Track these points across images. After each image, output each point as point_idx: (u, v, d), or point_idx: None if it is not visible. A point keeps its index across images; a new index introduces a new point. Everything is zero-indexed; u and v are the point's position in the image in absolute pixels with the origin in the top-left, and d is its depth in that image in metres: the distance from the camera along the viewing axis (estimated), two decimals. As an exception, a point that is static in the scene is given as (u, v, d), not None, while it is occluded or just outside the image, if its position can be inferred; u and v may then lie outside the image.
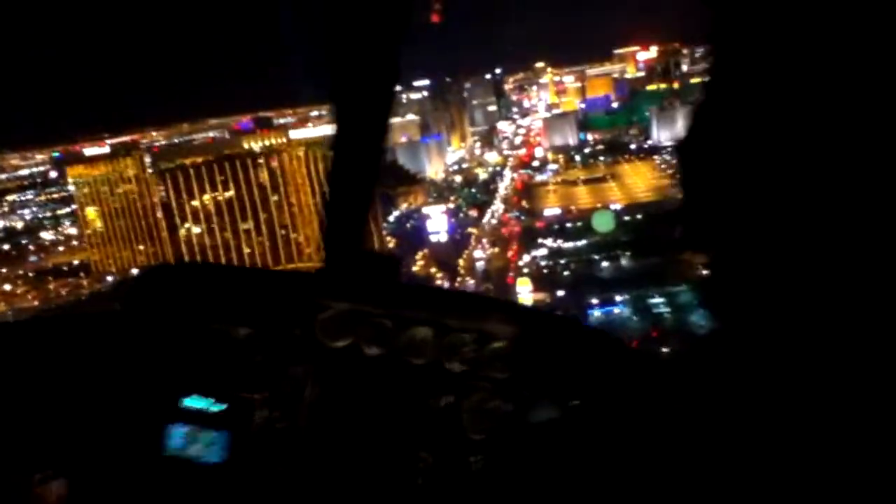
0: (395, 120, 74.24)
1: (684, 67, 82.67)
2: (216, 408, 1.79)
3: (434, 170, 67.01)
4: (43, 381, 1.92)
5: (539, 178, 63.31)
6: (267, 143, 61.47)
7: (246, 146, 61.66)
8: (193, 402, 1.80)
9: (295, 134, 62.37)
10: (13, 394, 1.91)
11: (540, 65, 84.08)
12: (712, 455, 0.85)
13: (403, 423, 1.71)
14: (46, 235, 67.76)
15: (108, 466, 1.86)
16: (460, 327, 1.72)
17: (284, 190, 57.83)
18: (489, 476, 1.66)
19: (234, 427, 1.77)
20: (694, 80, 78.80)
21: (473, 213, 58.76)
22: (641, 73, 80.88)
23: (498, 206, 59.61)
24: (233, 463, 1.76)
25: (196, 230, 58.32)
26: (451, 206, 58.07)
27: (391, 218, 58.78)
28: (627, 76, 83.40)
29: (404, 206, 59.86)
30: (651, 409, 1.09)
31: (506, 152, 71.38)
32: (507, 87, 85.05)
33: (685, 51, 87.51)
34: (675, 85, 75.76)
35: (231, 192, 57.90)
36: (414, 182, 61.89)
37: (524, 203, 57.43)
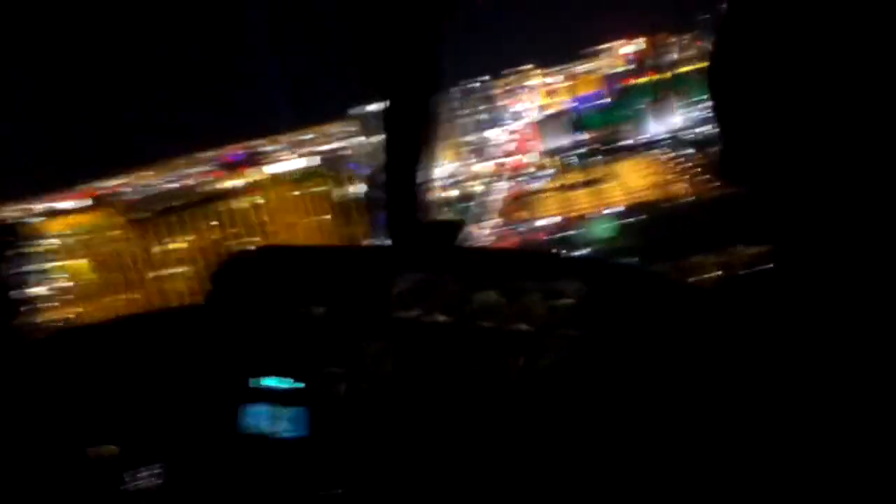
0: (379, 137, 74.08)
1: (674, 56, 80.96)
2: (296, 386, 1.82)
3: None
4: (137, 371, 1.95)
5: (535, 184, 61.52)
6: (245, 181, 59.60)
7: (224, 185, 59.84)
8: (274, 382, 1.82)
9: (274, 168, 60.44)
10: (109, 384, 1.95)
11: (527, 67, 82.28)
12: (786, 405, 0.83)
13: (479, 389, 1.68)
14: (35, 290, 66.18)
15: (196, 448, 1.88)
16: (529, 288, 1.71)
17: (264, 228, 55.95)
18: (567, 435, 1.59)
19: (314, 403, 1.82)
20: (683, 69, 76.97)
21: (470, 229, 56.14)
22: (631, 67, 78.86)
23: (496, 219, 57.13)
24: (314, 439, 1.80)
25: (179, 272, 56.48)
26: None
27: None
28: (617, 70, 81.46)
29: None
30: (730, 357, 1.06)
31: (499, 160, 69.50)
32: (496, 92, 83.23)
33: (672, 39, 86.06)
34: (666, 76, 73.86)
35: (212, 235, 56.14)
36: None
37: (523, 213, 55.65)
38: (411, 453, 1.67)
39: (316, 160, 61.34)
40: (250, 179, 59.91)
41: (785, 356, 0.86)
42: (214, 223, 57.17)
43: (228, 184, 59.52)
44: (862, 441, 0.75)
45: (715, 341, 1.15)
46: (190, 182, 73.59)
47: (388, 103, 1.86)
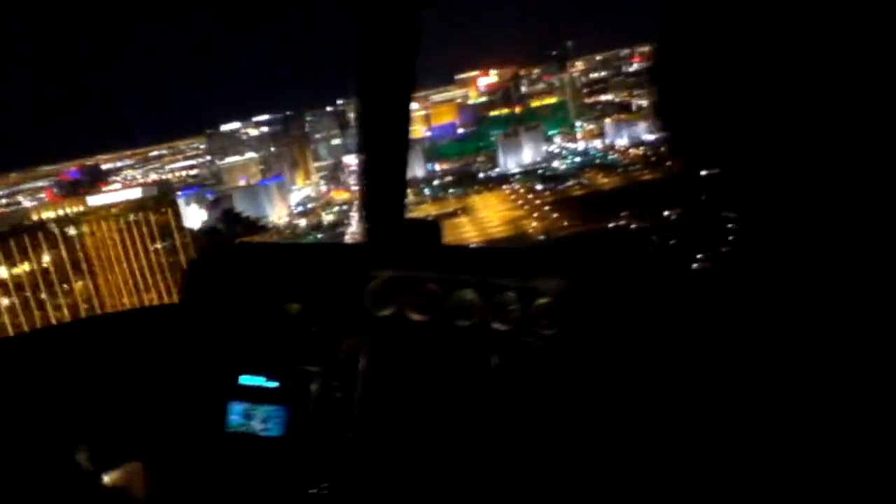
0: (233, 159, 69.33)
1: (524, 90, 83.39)
2: (273, 383, 1.87)
3: (277, 214, 62.69)
4: (112, 371, 2.01)
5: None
6: (64, 211, 54.83)
7: (41, 216, 54.71)
8: (251, 380, 1.88)
9: (98, 200, 55.63)
10: (86, 384, 2.00)
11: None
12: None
13: (454, 385, 1.75)
14: None
15: (176, 445, 1.92)
16: (505, 286, 1.75)
17: (85, 263, 51.88)
18: (542, 430, 1.67)
19: (292, 401, 1.85)
20: (535, 104, 79.43)
21: None
22: (485, 98, 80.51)
23: None
24: (293, 435, 1.83)
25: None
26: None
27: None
28: (471, 102, 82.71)
29: None
30: (703, 353, 1.10)
31: (354, 188, 68.55)
32: (354, 116, 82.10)
33: (523, 72, 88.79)
34: (518, 109, 75.66)
35: (26, 267, 51.14)
36: (254, 230, 57.34)
37: None
38: (388, 449, 1.74)
39: (153, 190, 57.26)
40: (83, 207, 55.16)
41: (764, 350, 0.88)
42: (43, 252, 52.09)
43: (62, 210, 54.62)
44: (848, 435, 0.79)
45: (694, 335, 1.17)
46: (24, 203, 67.54)
47: (365, 102, 1.96)
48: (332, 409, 1.81)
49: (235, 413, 1.87)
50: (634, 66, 77.78)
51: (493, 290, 1.75)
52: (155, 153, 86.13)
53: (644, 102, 66.94)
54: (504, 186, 60.53)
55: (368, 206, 2.12)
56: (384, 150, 2.12)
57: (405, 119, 2.05)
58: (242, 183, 64.91)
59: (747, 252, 0.91)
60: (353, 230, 58.51)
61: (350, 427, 1.78)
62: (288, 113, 77.44)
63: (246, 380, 1.88)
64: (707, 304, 1.21)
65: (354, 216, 61.46)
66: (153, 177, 79.94)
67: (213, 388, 1.89)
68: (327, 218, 61.37)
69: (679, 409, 1.08)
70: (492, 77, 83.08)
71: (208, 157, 75.44)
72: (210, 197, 62.40)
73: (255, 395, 1.87)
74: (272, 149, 71.49)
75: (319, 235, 58.52)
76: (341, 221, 60.64)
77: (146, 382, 1.99)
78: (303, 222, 62.11)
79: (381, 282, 1.83)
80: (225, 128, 74.43)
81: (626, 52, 79.73)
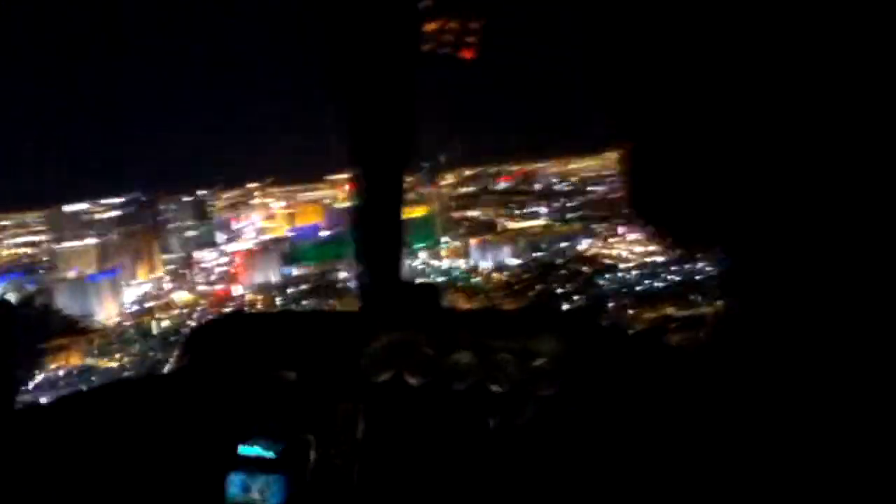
0: (70, 244, 62.95)
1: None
2: (271, 452, 1.84)
3: (107, 313, 56.19)
4: (107, 443, 1.96)
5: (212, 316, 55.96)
6: None
7: None
8: (249, 450, 1.84)
9: None
10: (79, 457, 1.95)
11: (252, 185, 78.37)
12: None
13: (454, 449, 1.72)
14: None
15: None
16: (501, 347, 1.76)
17: None
18: (542, 493, 1.62)
19: (290, 470, 1.83)
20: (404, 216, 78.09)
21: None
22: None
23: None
24: None
25: None
26: (116, 365, 48.12)
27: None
28: (338, 204, 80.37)
29: (54, 367, 47.24)
30: (702, 413, 1.11)
31: (201, 288, 63.20)
32: (218, 204, 77.65)
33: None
34: (384, 221, 73.92)
35: None
36: (76, 333, 50.74)
37: None
38: None
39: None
40: None
41: (764, 408, 0.88)
42: None
43: None
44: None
45: (692, 400, 1.18)
46: None
47: (362, 170, 1.97)
48: (331, 476, 1.73)
49: (234, 484, 1.76)
50: (502, 185, 78.40)
51: (489, 351, 1.71)
52: (2, 223, 77.36)
53: (509, 223, 66.98)
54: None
55: (363, 270, 2.10)
56: (379, 214, 2.04)
57: (399, 182, 2.03)
58: (72, 274, 58.42)
59: (736, 310, 0.90)
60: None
61: (350, 494, 1.70)
62: (142, 198, 71.93)
63: (245, 450, 1.80)
64: (703, 365, 1.25)
65: (193, 324, 56.02)
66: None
67: (212, 460, 1.83)
68: (165, 323, 55.46)
69: (679, 469, 1.08)
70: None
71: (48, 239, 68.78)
72: (30, 288, 55.54)
73: (254, 465, 1.78)
74: (114, 237, 65.59)
75: (148, 342, 52.41)
76: (177, 329, 54.73)
77: (143, 454, 1.89)
78: (128, 325, 55.53)
79: (378, 346, 1.78)
80: (71, 207, 68.21)
81: (494, 169, 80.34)
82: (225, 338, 1.96)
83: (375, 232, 2.09)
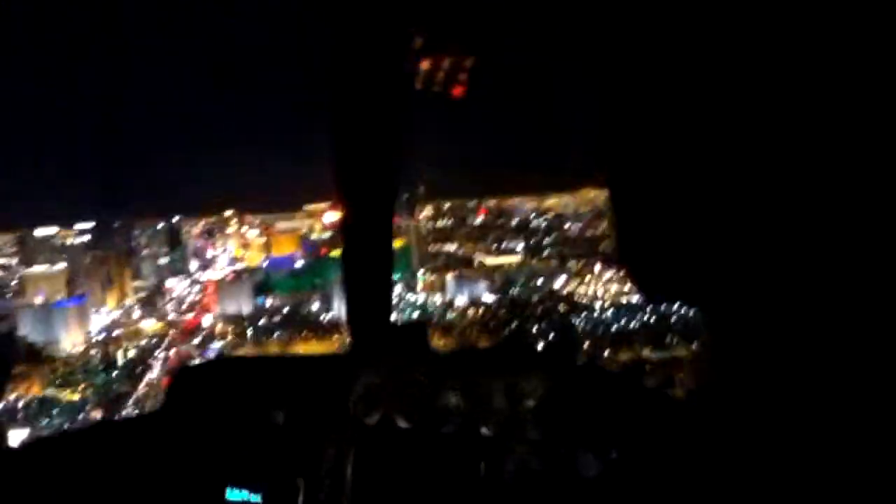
0: (39, 269, 61.34)
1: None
2: (258, 496, 1.84)
3: (72, 341, 54.72)
4: (91, 486, 1.97)
5: (197, 361, 54.48)
6: None
7: None
8: (236, 493, 1.85)
9: None
10: (65, 500, 1.96)
11: (228, 213, 77.50)
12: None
13: (443, 494, 1.73)
14: None
15: None
16: (490, 389, 1.75)
17: None
18: None
19: None
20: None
21: (97, 414, 45.00)
22: (329, 234, 77.90)
23: (139, 402, 47.89)
24: None
25: None
26: (78, 397, 46.60)
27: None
28: (314, 236, 79.66)
29: (13, 397, 45.48)
30: (690, 452, 1.13)
31: (171, 316, 61.96)
32: (193, 231, 76.55)
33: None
34: (360, 253, 72.88)
35: None
36: (38, 360, 49.28)
37: None
38: None
39: None
40: None
41: (760, 456, 0.90)
42: None
43: None
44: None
45: (683, 443, 1.20)
46: None
47: (349, 205, 2.06)
48: None
49: None
50: (480, 219, 78.22)
51: (478, 392, 1.70)
52: None
53: (486, 259, 66.76)
54: (335, 336, 56.31)
55: (352, 311, 2.11)
56: (367, 253, 2.07)
57: (388, 220, 2.06)
58: (39, 300, 57.05)
59: (714, 356, 0.93)
60: (154, 375, 51.42)
61: None
62: (115, 223, 70.80)
63: (232, 494, 1.79)
64: (688, 408, 1.28)
65: (160, 357, 54.54)
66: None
67: (194, 502, 1.81)
68: (131, 352, 53.92)
69: None
70: (337, 213, 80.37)
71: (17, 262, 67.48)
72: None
73: None
74: (84, 263, 64.42)
75: (113, 373, 50.71)
76: (143, 359, 53.26)
77: (129, 498, 1.89)
78: (93, 354, 53.70)
79: (367, 388, 1.78)
80: (42, 231, 67.07)
81: (473, 203, 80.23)
82: (211, 380, 2.00)
83: (364, 268, 2.13)
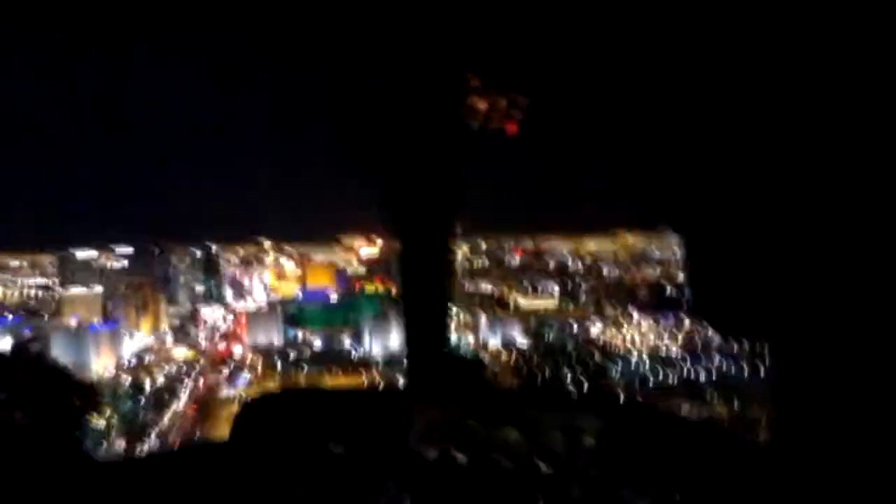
0: (76, 291, 61.51)
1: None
2: None
3: (103, 365, 54.64)
4: None
5: (227, 391, 53.68)
6: None
7: None
8: None
9: None
10: None
11: (266, 243, 77.63)
12: None
13: None
14: None
15: None
16: (548, 426, 1.76)
17: None
18: None
19: None
20: (414, 285, 76.79)
21: (121, 442, 44.69)
22: (363, 269, 77.42)
23: (163, 433, 47.23)
24: None
25: None
26: (103, 423, 46.29)
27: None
28: (350, 270, 79.29)
29: None
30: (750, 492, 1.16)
31: (203, 345, 61.74)
32: (232, 259, 76.69)
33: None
34: (394, 289, 72.37)
35: None
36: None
37: (197, 432, 46.80)
38: None
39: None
40: None
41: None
42: None
43: None
44: None
45: (735, 478, 1.25)
46: None
47: (406, 243, 2.12)
48: None
49: None
50: (517, 260, 77.18)
51: (536, 429, 1.71)
52: (15, 263, 76.73)
53: (521, 300, 65.63)
54: (363, 371, 55.32)
55: (410, 346, 2.27)
56: (425, 290, 2.16)
57: (446, 256, 2.14)
58: (73, 322, 57.29)
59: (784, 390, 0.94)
60: (180, 406, 50.86)
61: None
62: (154, 249, 71.26)
63: None
64: (742, 446, 1.33)
65: (189, 383, 54.17)
66: (-10, 290, 71.06)
67: None
68: (160, 379, 53.59)
69: None
70: (373, 248, 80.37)
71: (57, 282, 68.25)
72: (25, 333, 54.37)
73: None
74: (123, 286, 64.79)
75: (140, 401, 50.24)
76: (171, 387, 52.89)
77: None
78: (124, 379, 53.38)
79: (426, 423, 1.80)
80: (83, 253, 67.79)
81: (510, 242, 79.21)
82: (276, 412, 2.02)
83: (421, 303, 2.18)
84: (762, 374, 44.86)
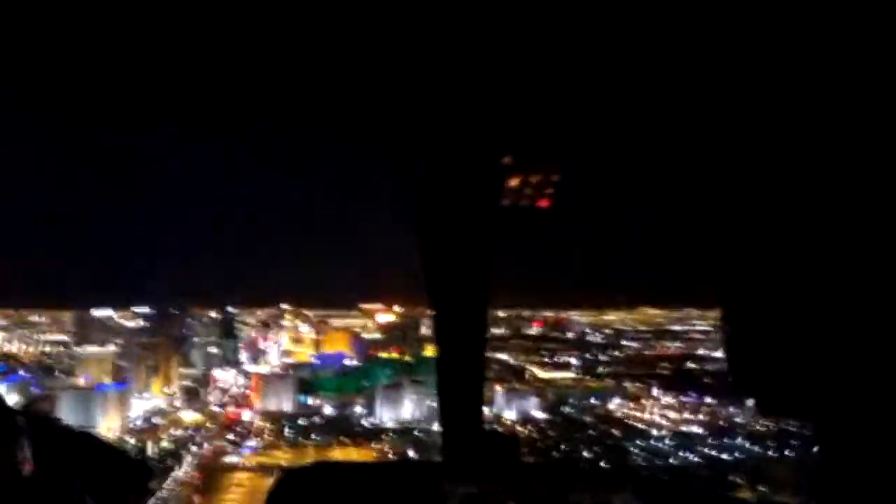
0: (90, 349, 60.88)
1: (424, 330, 79.91)
2: None
3: (108, 426, 53.57)
4: None
5: (231, 458, 52.35)
6: None
7: None
8: None
9: None
10: None
11: (285, 306, 77.15)
12: None
13: None
14: None
15: None
16: (580, 502, 1.75)
17: None
18: None
19: None
20: (428, 352, 75.82)
21: None
22: (380, 336, 76.42)
23: (163, 501, 45.81)
24: None
25: None
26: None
27: None
28: (366, 335, 78.33)
29: None
30: None
31: (213, 408, 60.62)
32: (250, 321, 76.08)
33: (430, 313, 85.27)
34: (408, 357, 70.91)
35: None
36: (70, 445, 48.39)
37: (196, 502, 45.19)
38: None
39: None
40: None
41: None
42: None
43: None
44: None
45: None
46: None
47: (442, 312, 2.22)
48: None
49: None
50: (534, 330, 75.74)
51: None
52: (36, 318, 76.81)
53: (538, 372, 64.13)
54: (374, 444, 53.58)
55: (445, 420, 2.26)
56: (462, 362, 2.16)
57: (482, 329, 2.15)
58: (82, 382, 56.65)
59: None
60: (181, 473, 49.48)
61: None
62: (171, 310, 70.94)
63: None
64: None
65: (193, 452, 52.84)
66: (6, 346, 70.91)
67: None
68: (163, 444, 52.37)
69: None
70: (391, 315, 79.50)
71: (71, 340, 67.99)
72: (34, 391, 53.73)
73: None
74: (135, 346, 64.29)
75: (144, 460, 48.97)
76: (177, 452, 51.61)
77: None
78: (128, 441, 52.18)
79: (460, 498, 1.81)
80: (100, 312, 67.66)
81: (528, 313, 77.98)
82: (311, 487, 2.02)
83: (457, 378, 2.21)
84: (790, 454, 42.91)
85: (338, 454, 53.49)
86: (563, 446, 45.72)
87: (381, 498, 1.95)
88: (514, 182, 2.42)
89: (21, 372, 58.98)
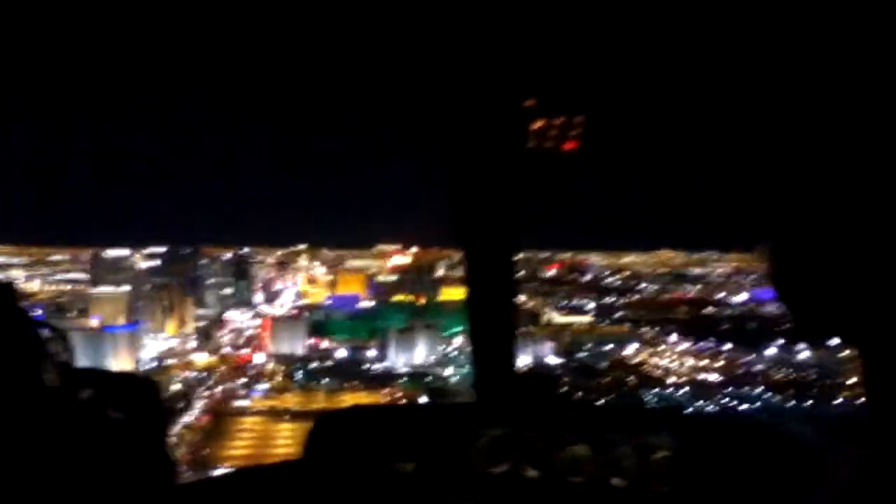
0: (104, 289, 60.61)
1: (440, 272, 78.86)
2: None
3: (120, 367, 53.53)
4: None
5: (241, 402, 52.23)
6: None
7: None
8: None
9: None
10: None
11: (301, 246, 76.37)
12: None
13: None
14: None
15: None
16: (619, 441, 1.76)
17: None
18: None
19: None
20: (443, 296, 74.94)
21: None
22: (394, 278, 75.60)
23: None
24: None
25: None
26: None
27: None
28: (381, 278, 77.55)
29: None
30: None
31: (226, 350, 60.46)
32: (267, 261, 75.47)
33: (445, 254, 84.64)
34: (422, 300, 70.08)
35: None
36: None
37: (205, 449, 44.99)
38: None
39: None
40: None
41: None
42: None
43: None
44: None
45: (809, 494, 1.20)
46: None
47: (472, 254, 2.16)
48: None
49: None
50: (550, 273, 74.45)
51: (607, 444, 1.72)
52: (56, 257, 76.82)
53: (554, 316, 63.23)
54: (385, 389, 53.25)
55: (477, 360, 2.19)
56: (490, 303, 2.13)
57: (510, 269, 2.11)
58: (94, 323, 56.47)
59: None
60: (192, 417, 49.44)
61: None
62: (187, 250, 70.35)
63: None
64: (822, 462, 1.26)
65: (203, 395, 52.76)
66: (26, 285, 70.99)
67: None
68: (174, 387, 52.34)
69: None
70: (406, 257, 78.46)
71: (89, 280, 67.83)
72: (43, 333, 53.57)
73: None
74: (148, 286, 63.97)
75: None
76: (186, 395, 51.56)
77: None
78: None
79: (494, 438, 1.83)
80: (114, 252, 67.23)
81: (544, 255, 76.59)
82: (346, 430, 2.02)
83: (488, 319, 2.20)
84: (806, 404, 42.02)
85: (348, 398, 53.33)
86: (579, 393, 45.00)
87: (412, 441, 1.92)
88: (537, 125, 2.41)
89: (36, 311, 58.95)
